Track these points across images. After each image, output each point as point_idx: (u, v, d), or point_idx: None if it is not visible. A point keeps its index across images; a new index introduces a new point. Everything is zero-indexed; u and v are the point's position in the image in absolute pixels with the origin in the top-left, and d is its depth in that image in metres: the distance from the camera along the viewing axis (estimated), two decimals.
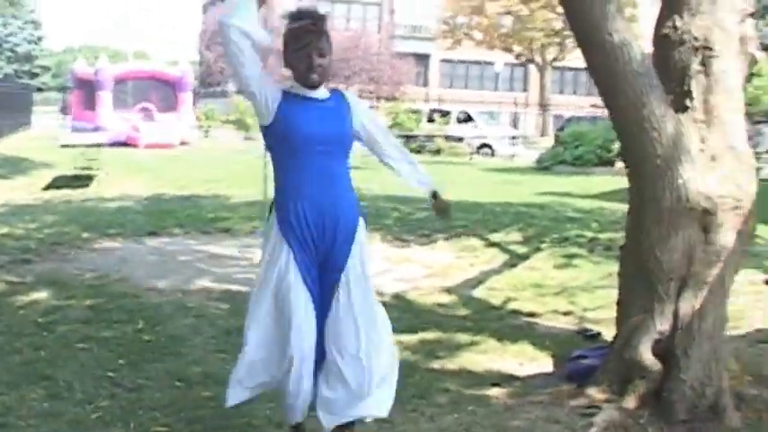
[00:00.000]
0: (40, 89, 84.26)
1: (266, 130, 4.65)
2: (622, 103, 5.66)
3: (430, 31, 68.95)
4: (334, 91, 4.76)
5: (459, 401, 5.88)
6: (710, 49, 5.91)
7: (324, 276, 4.70)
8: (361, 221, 4.79)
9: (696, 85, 5.91)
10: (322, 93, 4.67)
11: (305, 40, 4.53)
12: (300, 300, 4.60)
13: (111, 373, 6.30)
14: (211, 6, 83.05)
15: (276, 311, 4.65)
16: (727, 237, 5.77)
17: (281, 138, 4.58)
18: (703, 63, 5.92)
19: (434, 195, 5.13)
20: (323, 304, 4.70)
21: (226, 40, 4.41)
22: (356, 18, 72.01)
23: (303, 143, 4.53)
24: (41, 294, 8.70)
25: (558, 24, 60.03)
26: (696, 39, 5.92)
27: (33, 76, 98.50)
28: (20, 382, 6.05)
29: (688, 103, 5.88)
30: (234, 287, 9.27)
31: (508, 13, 60.91)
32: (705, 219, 5.72)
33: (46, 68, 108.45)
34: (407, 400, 5.83)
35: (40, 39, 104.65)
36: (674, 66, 5.96)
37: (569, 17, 5.92)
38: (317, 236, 4.60)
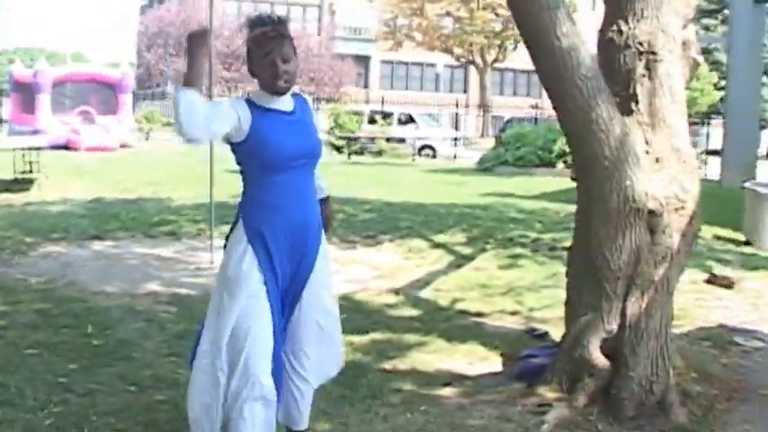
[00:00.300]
0: None
1: (236, 146, 4.50)
2: (571, 106, 5.75)
3: (370, 32, 69.15)
4: (295, 96, 4.64)
5: (412, 401, 5.94)
6: (655, 53, 6.03)
7: (291, 287, 4.65)
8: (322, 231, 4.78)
9: (641, 89, 6.03)
10: (287, 101, 4.56)
11: (268, 46, 4.41)
12: (264, 315, 4.49)
13: (62, 379, 6.26)
14: (149, 9, 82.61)
15: (237, 322, 4.50)
16: (672, 237, 5.91)
17: (251, 154, 4.46)
18: (648, 67, 6.04)
19: (324, 201, 4.92)
20: (285, 312, 4.68)
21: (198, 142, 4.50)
22: (296, 19, 71.84)
23: (275, 160, 4.42)
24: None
25: (498, 26, 60.59)
26: (641, 43, 6.04)
27: None
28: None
29: (633, 106, 5.99)
30: (182, 290, 9.27)
31: (448, 14, 61.24)
32: (651, 219, 5.84)
33: None
34: (360, 400, 5.90)
35: None
36: (619, 69, 6.07)
37: (517, 21, 5.99)
38: (288, 251, 4.54)
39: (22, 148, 20.76)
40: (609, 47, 6.16)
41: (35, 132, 31.94)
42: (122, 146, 33.57)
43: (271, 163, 4.42)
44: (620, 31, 6.11)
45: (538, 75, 6.00)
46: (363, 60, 73.15)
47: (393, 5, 61.14)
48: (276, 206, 4.48)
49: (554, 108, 6.02)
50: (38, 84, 34.22)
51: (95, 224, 13.56)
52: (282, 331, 4.63)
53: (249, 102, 4.47)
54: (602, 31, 6.26)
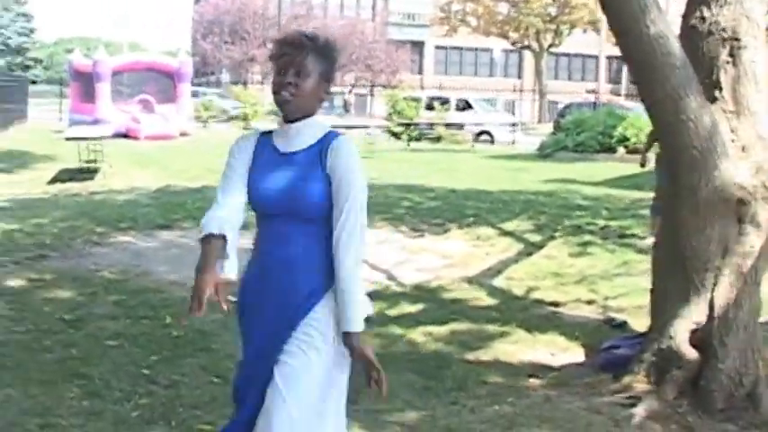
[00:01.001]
0: (33, 81, 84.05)
1: None
2: (660, 95, 5.66)
3: (424, 18, 68.91)
4: (328, 136, 3.65)
5: (499, 393, 5.91)
6: (738, 39, 5.94)
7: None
8: (327, 301, 3.65)
9: (725, 76, 5.95)
10: (296, 136, 3.67)
11: (279, 50, 3.62)
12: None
13: (145, 370, 6.30)
14: None
15: None
16: (760, 227, 5.80)
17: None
18: (731, 54, 5.96)
19: (349, 336, 3.61)
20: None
21: None
22: (350, 6, 71.82)
23: (256, 203, 3.70)
24: (64, 291, 8.69)
25: (554, 10, 60.13)
26: (724, 30, 5.95)
27: (26, 68, 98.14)
28: (55, 380, 6.04)
29: (717, 94, 5.92)
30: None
31: None
32: (740, 209, 5.75)
33: (38, 61, 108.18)
34: (446, 392, 5.87)
35: (32, 31, 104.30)
36: (703, 57, 5.99)
37: (606, 9, 5.90)
38: (259, 314, 3.74)
39: (86, 138, 20.97)
40: (692, 34, 6.08)
41: (95, 122, 32.19)
42: (182, 134, 33.73)
43: (253, 204, 3.72)
44: (703, 18, 6.03)
45: (626, 63, 5.93)
46: (417, 46, 72.92)
47: None
48: (255, 253, 3.78)
49: (641, 97, 5.94)
50: (97, 73, 34.43)
51: (162, 213, 13.61)
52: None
53: (268, 134, 3.78)
54: (685, 18, 6.18)
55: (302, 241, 3.63)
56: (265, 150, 3.70)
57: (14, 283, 9.06)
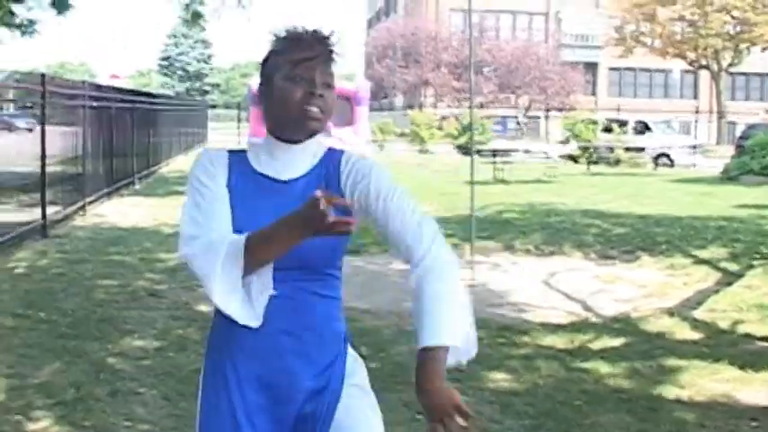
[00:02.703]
0: (213, 106, 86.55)
1: None
2: None
3: (598, 39, 67.91)
4: (331, 154, 2.77)
5: None
6: None
7: None
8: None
9: None
10: (299, 159, 2.73)
11: (310, 52, 2.66)
12: None
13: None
14: (376, 21, 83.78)
15: None
16: None
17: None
18: None
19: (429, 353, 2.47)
20: None
21: None
22: (522, 28, 71.42)
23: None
24: None
25: (733, 28, 58.37)
26: None
27: (204, 93, 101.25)
28: None
29: None
30: None
31: (681, 18, 59.39)
32: None
33: (215, 86, 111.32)
34: None
35: (209, 57, 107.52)
36: None
37: None
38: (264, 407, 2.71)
39: None
40: None
41: None
42: None
43: None
44: None
45: None
46: (591, 68, 71.90)
47: (624, 11, 59.74)
48: (247, 338, 2.66)
49: None
50: None
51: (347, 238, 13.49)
52: None
53: (237, 156, 2.78)
54: None
55: (319, 308, 2.69)
56: (248, 178, 2.70)
57: (206, 308, 8.95)
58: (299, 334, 2.64)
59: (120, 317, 8.60)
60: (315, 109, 2.63)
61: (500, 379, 6.72)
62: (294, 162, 2.71)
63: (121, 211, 17.45)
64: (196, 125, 44.16)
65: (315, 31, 2.69)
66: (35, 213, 14.08)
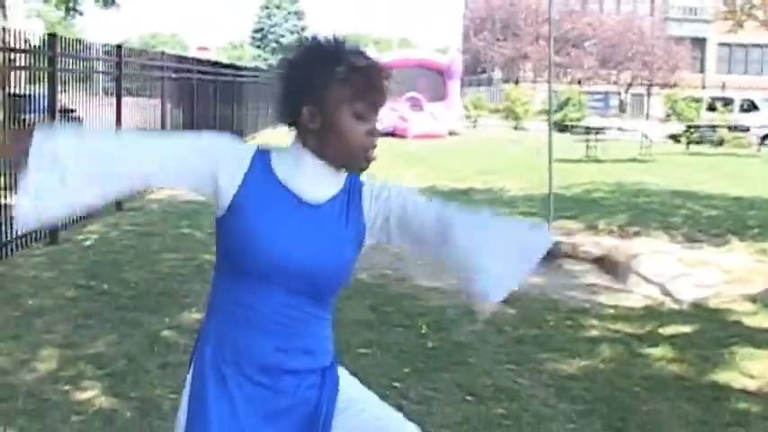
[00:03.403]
0: None
1: (217, 222, 2.69)
2: None
3: (707, 12, 66.26)
4: (352, 181, 2.74)
5: None
6: None
7: None
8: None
9: None
10: (329, 180, 2.68)
11: (380, 94, 2.63)
12: None
13: (396, 383, 5.97)
14: None
15: None
16: None
17: (225, 241, 2.67)
18: None
19: None
20: None
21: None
22: (627, 1, 70.01)
23: (249, 265, 2.62)
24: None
25: None
26: None
27: None
28: None
29: None
30: (520, 290, 8.79)
31: None
32: None
33: None
34: (722, 427, 5.30)
35: (303, 29, 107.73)
36: None
37: None
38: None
39: None
40: None
41: None
42: (450, 133, 33.58)
43: (245, 267, 2.63)
44: None
45: None
46: (699, 43, 70.21)
47: None
48: (247, 337, 2.68)
49: None
50: None
51: None
52: None
53: (262, 156, 2.68)
54: None
55: (317, 329, 2.74)
56: (269, 185, 2.63)
57: None
58: (294, 353, 2.68)
59: (181, 290, 8.56)
60: (374, 152, 2.64)
61: (561, 362, 6.51)
62: (320, 181, 2.66)
63: None
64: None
65: (377, 66, 2.63)
66: None
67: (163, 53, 18.72)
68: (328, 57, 2.59)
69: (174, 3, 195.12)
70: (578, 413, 5.41)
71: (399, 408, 5.42)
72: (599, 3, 67.13)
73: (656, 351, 6.77)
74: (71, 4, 31.90)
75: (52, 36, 11.68)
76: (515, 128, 41.74)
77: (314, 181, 2.64)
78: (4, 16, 19.41)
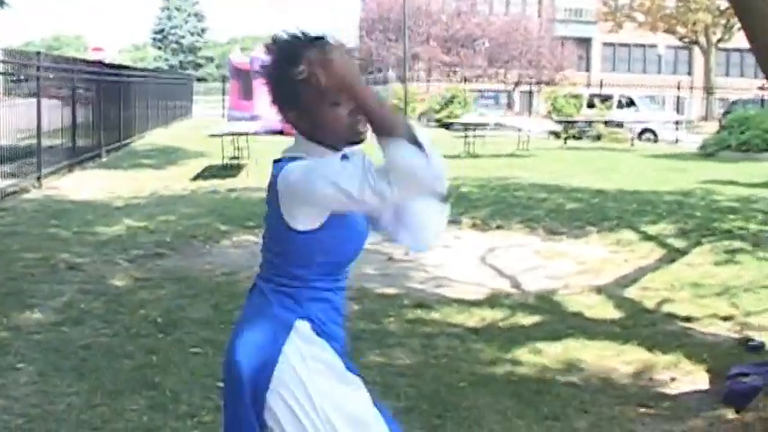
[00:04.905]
0: (202, 79, 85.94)
1: (305, 235, 2.83)
2: None
3: (591, 14, 67.37)
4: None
5: (599, 425, 5.18)
6: None
7: None
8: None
9: None
10: None
11: (338, 82, 2.71)
12: None
13: (221, 383, 5.81)
14: None
15: None
16: None
17: (329, 243, 2.85)
18: None
19: None
20: None
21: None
22: (515, 3, 70.78)
23: (353, 248, 2.94)
24: (166, 291, 8.36)
25: (723, 3, 57.79)
26: None
27: (197, 66, 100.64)
28: (124, 391, 5.65)
29: None
30: (369, 285, 8.75)
31: None
32: None
33: (209, 59, 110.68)
34: (540, 421, 5.20)
35: (203, 30, 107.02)
36: None
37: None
38: None
39: (232, 134, 20.88)
40: None
41: (252, 118, 32.28)
42: None
43: (343, 258, 2.93)
44: None
45: (753, 50, 5.16)
46: (584, 43, 71.39)
47: None
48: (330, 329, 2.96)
49: None
50: (255, 70, 34.61)
51: None
52: None
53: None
54: None
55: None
56: None
57: (120, 282, 8.85)
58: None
59: (28, 290, 8.35)
60: (363, 127, 2.79)
61: (394, 357, 6.43)
62: None
63: (80, 184, 17.14)
64: (179, 98, 43.76)
65: (334, 50, 2.70)
66: None
67: (39, 53, 18.46)
68: (288, 60, 2.75)
69: (75, 4, 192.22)
70: (399, 411, 5.28)
71: (217, 409, 5.34)
72: (488, 4, 67.76)
73: (489, 345, 6.73)
74: None
75: None
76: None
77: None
78: None
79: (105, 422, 5.17)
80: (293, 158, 2.83)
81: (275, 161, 2.91)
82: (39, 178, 16.61)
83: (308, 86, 2.72)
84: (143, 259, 9.88)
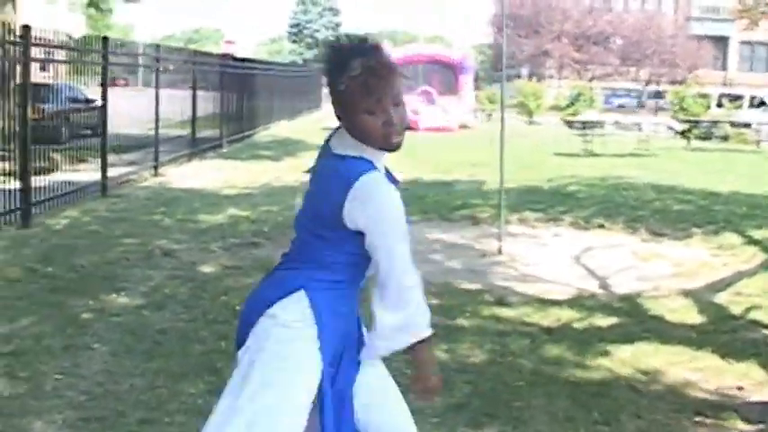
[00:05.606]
0: None
1: (346, 231, 3.09)
2: None
3: (728, 11, 65.76)
4: None
5: None
6: None
7: None
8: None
9: None
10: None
11: (385, 85, 3.02)
12: None
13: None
14: None
15: None
16: None
17: (357, 243, 3.11)
18: None
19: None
20: None
21: None
22: (651, 0, 69.61)
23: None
24: (252, 280, 8.42)
25: None
26: None
27: None
28: (188, 374, 5.79)
29: None
30: (458, 280, 8.75)
31: None
32: None
33: None
34: (589, 425, 5.10)
35: (337, 25, 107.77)
36: None
37: None
38: None
39: None
40: None
41: None
42: (462, 127, 33.52)
43: (362, 263, 3.21)
44: None
45: None
46: (721, 41, 69.72)
47: None
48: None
49: None
50: None
51: None
52: None
53: (387, 176, 3.15)
54: None
55: None
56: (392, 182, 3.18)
57: (209, 269, 9.03)
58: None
59: (122, 275, 8.62)
60: (397, 138, 3.04)
61: (459, 353, 6.39)
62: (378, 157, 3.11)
63: (196, 174, 17.54)
64: (307, 91, 44.45)
65: (383, 63, 3.01)
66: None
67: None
68: (339, 62, 3.01)
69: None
70: (449, 407, 5.27)
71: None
72: (623, 1, 66.81)
73: (558, 345, 6.63)
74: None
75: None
76: (528, 122, 41.46)
77: (382, 165, 3.12)
78: (14, 9, 19.48)
79: (161, 403, 5.29)
80: (357, 159, 3.05)
81: (336, 154, 3.11)
82: (155, 167, 17.05)
83: (348, 91, 3.00)
84: (237, 248, 10.06)
